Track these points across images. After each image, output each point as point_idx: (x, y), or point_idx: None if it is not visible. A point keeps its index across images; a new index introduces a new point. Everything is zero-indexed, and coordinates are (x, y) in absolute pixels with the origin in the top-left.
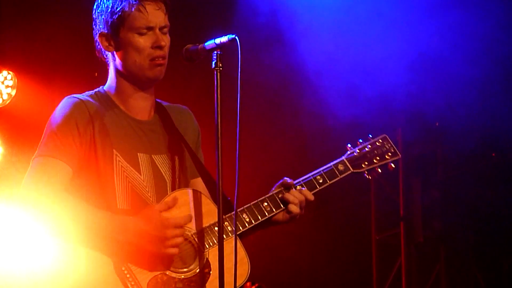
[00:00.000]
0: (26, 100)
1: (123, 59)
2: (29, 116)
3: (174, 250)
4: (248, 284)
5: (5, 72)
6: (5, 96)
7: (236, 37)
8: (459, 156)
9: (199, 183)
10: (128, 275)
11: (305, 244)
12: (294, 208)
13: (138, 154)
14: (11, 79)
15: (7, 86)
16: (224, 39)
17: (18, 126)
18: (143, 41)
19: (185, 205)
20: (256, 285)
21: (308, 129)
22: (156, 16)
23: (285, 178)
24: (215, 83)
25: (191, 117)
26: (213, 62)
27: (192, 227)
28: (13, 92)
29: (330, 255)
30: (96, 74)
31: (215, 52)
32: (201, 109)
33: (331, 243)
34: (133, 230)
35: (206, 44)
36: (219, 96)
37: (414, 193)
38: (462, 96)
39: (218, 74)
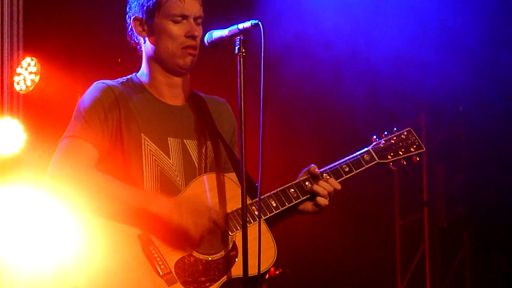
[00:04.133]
0: (49, 87)
1: (155, 45)
2: (52, 102)
3: (197, 231)
4: (272, 269)
5: (28, 59)
6: (28, 83)
7: (260, 23)
8: (483, 141)
9: (233, 178)
10: (156, 255)
11: (329, 229)
12: (323, 201)
13: (168, 138)
14: (35, 66)
15: (30, 73)
16: (247, 24)
17: (42, 112)
18: (177, 29)
19: (212, 189)
20: (280, 270)
21: (332, 115)
22: (193, 5)
23: (312, 165)
24: (238, 68)
25: (228, 110)
26: (236, 48)
27: (219, 211)
28: (37, 79)
29: (354, 240)
30: (119, 59)
31: (238, 37)
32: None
33: (355, 228)
34: (166, 202)
35: (229, 29)
36: (242, 82)
37: (437, 178)
38: (486, 80)
39: (241, 59)
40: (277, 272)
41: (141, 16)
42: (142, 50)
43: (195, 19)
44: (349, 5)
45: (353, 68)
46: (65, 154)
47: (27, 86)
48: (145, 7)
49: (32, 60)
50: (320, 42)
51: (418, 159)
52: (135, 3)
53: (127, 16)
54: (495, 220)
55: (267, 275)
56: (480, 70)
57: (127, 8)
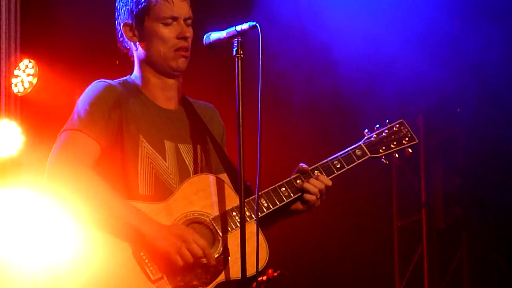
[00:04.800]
0: (47, 89)
1: (147, 49)
2: (50, 104)
3: (180, 261)
4: (270, 271)
5: (26, 61)
6: (26, 85)
7: (257, 24)
8: (481, 142)
9: (224, 179)
10: (146, 260)
11: (327, 231)
12: (310, 197)
13: (165, 141)
14: (32, 68)
15: (28, 75)
16: (244, 26)
17: (39, 114)
18: (168, 32)
19: (203, 190)
20: (278, 272)
21: (328, 115)
22: (181, 7)
23: (301, 164)
24: (236, 70)
25: (216, 115)
26: (234, 50)
27: (210, 212)
28: (34, 81)
29: (352, 242)
30: (117, 62)
31: (236, 39)
32: (221, 98)
33: (353, 230)
34: (155, 225)
35: (226, 31)
36: (240, 84)
37: (435, 179)
38: (484, 81)
39: (239, 61)
40: (275, 274)
41: (130, 22)
42: (134, 55)
43: (185, 20)
44: (348, 5)
45: (350, 68)
46: (66, 148)
47: (25, 88)
48: (134, 12)
49: (30, 62)
50: (316, 42)
51: (411, 151)
52: (124, 9)
53: (116, 23)
54: (493, 221)
55: (265, 277)
56: (478, 70)
57: (116, 14)
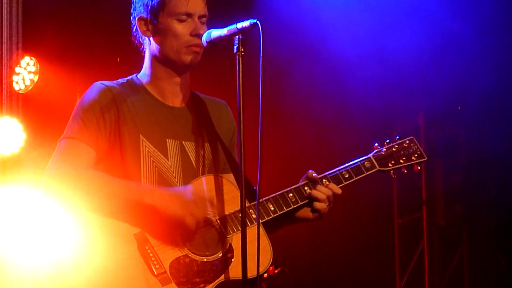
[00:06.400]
0: (48, 86)
1: (160, 44)
2: (51, 102)
3: (193, 222)
4: (271, 268)
5: (27, 58)
6: (27, 82)
7: (258, 22)
8: (481, 139)
9: (230, 179)
10: (151, 255)
11: (327, 228)
12: (320, 205)
13: (167, 139)
14: (34, 65)
15: (29, 72)
16: (245, 23)
17: (41, 112)
18: (182, 28)
19: (210, 191)
20: (279, 269)
21: (329, 113)
22: (197, 4)
23: (310, 171)
24: (237, 68)
25: (227, 112)
26: (235, 47)
27: (216, 212)
28: (36, 78)
29: (353, 239)
30: (118, 59)
31: (237, 37)
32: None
33: (353, 227)
34: (161, 192)
35: (227, 28)
36: (241, 82)
37: (436, 177)
38: (484, 79)
39: (240, 59)
40: (276, 271)
41: (145, 16)
42: (145, 51)
43: (199, 17)
44: (349, 5)
45: (352, 68)
46: (63, 155)
47: (26, 86)
48: (149, 7)
49: (31, 59)
50: (317, 40)
51: (419, 168)
52: (140, 3)
53: (131, 17)
54: (493, 219)
55: (265, 275)
56: (478, 68)
57: (132, 8)
